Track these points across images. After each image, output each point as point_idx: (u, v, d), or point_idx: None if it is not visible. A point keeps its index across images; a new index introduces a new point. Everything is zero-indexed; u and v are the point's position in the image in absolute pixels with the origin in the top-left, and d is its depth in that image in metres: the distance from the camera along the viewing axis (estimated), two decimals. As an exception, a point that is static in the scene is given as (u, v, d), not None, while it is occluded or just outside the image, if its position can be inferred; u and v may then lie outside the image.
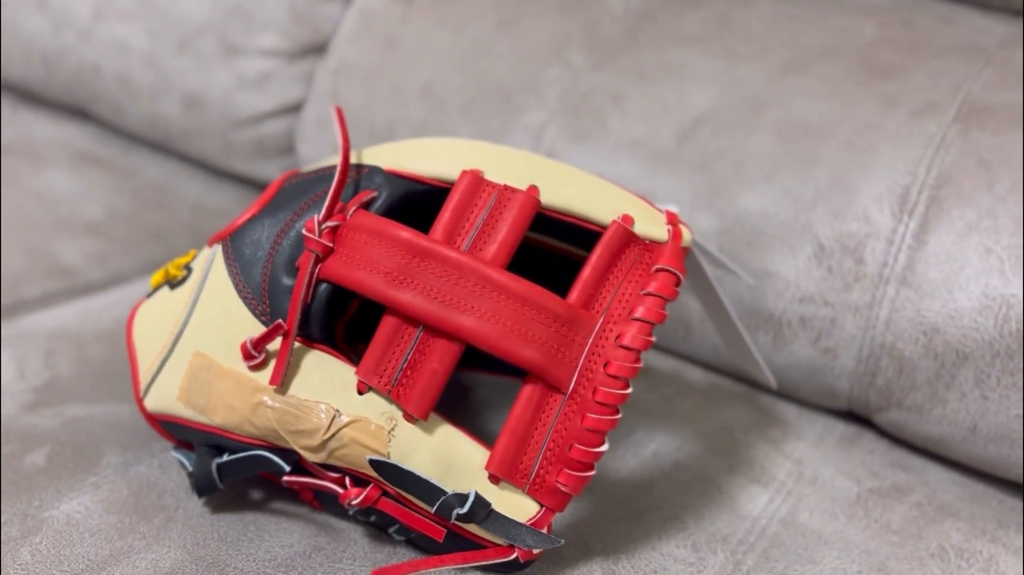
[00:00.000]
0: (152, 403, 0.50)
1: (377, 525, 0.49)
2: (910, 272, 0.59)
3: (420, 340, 0.45)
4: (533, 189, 0.47)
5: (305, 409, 0.46)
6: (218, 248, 0.50)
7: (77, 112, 1.07)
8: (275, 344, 0.47)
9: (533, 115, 0.75)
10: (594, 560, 0.49)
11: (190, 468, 0.49)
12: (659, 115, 0.70)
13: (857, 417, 0.65)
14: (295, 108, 0.94)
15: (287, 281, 0.47)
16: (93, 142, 1.02)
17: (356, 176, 0.49)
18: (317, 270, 0.47)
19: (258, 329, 0.47)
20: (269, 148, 0.95)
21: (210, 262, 0.50)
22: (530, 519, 0.45)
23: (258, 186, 0.97)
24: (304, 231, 0.47)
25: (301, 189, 0.50)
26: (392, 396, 0.45)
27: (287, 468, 0.46)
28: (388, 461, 0.44)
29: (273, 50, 0.93)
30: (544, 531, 0.45)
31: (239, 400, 0.47)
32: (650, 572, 0.48)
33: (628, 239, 0.47)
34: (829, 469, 0.58)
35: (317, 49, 0.94)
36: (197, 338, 0.49)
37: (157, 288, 0.53)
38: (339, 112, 0.51)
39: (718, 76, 0.70)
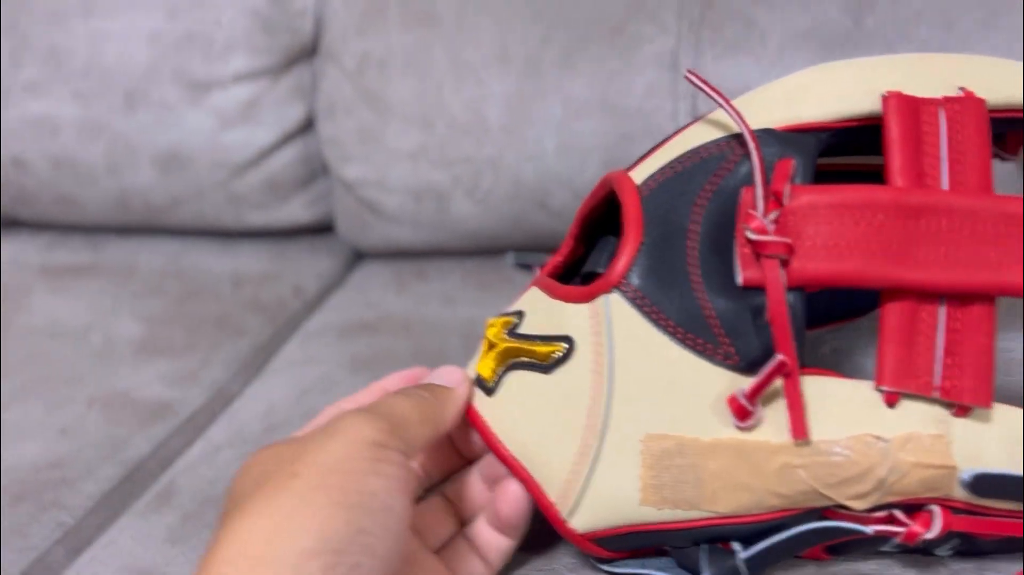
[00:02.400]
0: (588, 521, 0.38)
1: (917, 550, 0.39)
2: None
3: (948, 316, 0.36)
4: (969, 92, 0.38)
5: (847, 452, 0.35)
6: (609, 300, 0.37)
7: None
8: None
9: (658, 42, 0.64)
10: None
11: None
12: (817, -3, 0.61)
13: None
14: (301, 130, 0.78)
15: (734, 304, 0.36)
16: (47, 250, 0.82)
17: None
18: (787, 277, 0.36)
19: (728, 379, 0.36)
20: (284, 184, 0.79)
21: (606, 320, 0.37)
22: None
23: (283, 233, 0.81)
24: (752, 235, 0.36)
25: (678, 189, 0.38)
26: (941, 395, 0.36)
27: (868, 531, 0.36)
28: (994, 472, 0.35)
29: (249, 72, 0.77)
30: None
31: (750, 473, 0.36)
32: None
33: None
34: None
35: (304, 54, 0.78)
36: (636, 419, 0.37)
37: (499, 379, 0.40)
38: (698, 77, 0.39)
39: (862, -64, 0.62)
